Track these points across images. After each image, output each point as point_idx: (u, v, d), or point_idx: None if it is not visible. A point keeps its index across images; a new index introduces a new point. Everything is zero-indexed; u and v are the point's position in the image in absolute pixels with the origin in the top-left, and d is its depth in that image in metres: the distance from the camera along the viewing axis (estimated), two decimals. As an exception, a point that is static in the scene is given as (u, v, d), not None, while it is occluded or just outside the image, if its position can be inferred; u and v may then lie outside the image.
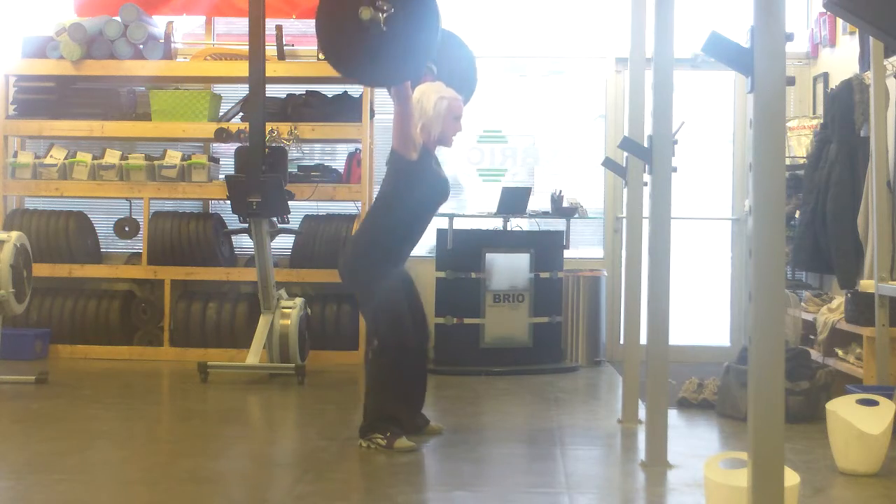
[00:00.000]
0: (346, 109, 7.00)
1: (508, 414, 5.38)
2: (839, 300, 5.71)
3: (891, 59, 5.36)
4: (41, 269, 6.54)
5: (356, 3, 3.98)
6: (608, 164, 5.52)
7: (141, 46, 7.05)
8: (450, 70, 4.73)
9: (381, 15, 3.98)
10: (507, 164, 7.62)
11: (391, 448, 4.14)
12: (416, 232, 4.43)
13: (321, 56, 6.86)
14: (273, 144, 6.44)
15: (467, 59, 5.07)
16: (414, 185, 4.32)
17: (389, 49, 4.03)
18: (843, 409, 3.99)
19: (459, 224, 6.79)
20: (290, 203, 6.04)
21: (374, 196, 4.58)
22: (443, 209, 4.77)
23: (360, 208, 6.97)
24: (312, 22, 7.71)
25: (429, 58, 4.20)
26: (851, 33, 6.36)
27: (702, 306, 7.46)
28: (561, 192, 7.09)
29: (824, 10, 6.71)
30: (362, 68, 4.18)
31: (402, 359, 4.27)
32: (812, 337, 5.93)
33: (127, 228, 7.32)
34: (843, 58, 6.51)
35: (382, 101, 7.19)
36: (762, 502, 2.31)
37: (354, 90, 7.10)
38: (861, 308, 5.19)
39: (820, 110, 6.79)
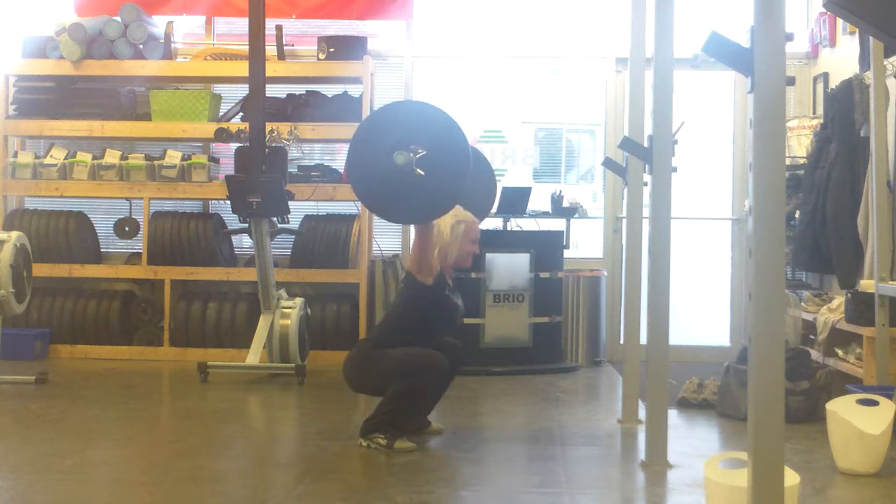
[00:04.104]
0: (346, 109, 7.00)
1: (508, 414, 5.38)
2: (839, 300, 5.70)
3: (891, 59, 5.35)
4: (41, 269, 6.54)
5: (390, 149, 4.10)
6: (608, 164, 5.51)
7: (141, 46, 7.05)
8: (474, 188, 4.85)
9: (412, 156, 4.09)
10: (507, 165, 7.62)
11: (391, 448, 4.14)
12: (419, 344, 4.38)
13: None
14: (273, 144, 6.43)
15: (488, 174, 5.37)
16: (426, 311, 4.34)
17: (423, 190, 4.11)
18: (843, 409, 3.99)
19: (459, 224, 6.78)
20: (290, 203, 6.04)
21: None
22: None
23: (359, 208, 6.96)
24: (312, 22, 7.74)
25: (460, 196, 4.27)
26: (851, 33, 6.36)
27: (702, 306, 7.46)
28: (561, 192, 7.08)
29: (824, 10, 6.71)
30: (396, 210, 4.31)
31: (432, 381, 4.29)
32: (812, 337, 5.93)
33: (127, 228, 7.32)
34: (843, 58, 6.51)
35: (383, 102, 7.18)
36: (762, 502, 2.31)
37: (354, 90, 7.10)
38: (861, 308, 5.18)
39: (820, 110, 6.79)
